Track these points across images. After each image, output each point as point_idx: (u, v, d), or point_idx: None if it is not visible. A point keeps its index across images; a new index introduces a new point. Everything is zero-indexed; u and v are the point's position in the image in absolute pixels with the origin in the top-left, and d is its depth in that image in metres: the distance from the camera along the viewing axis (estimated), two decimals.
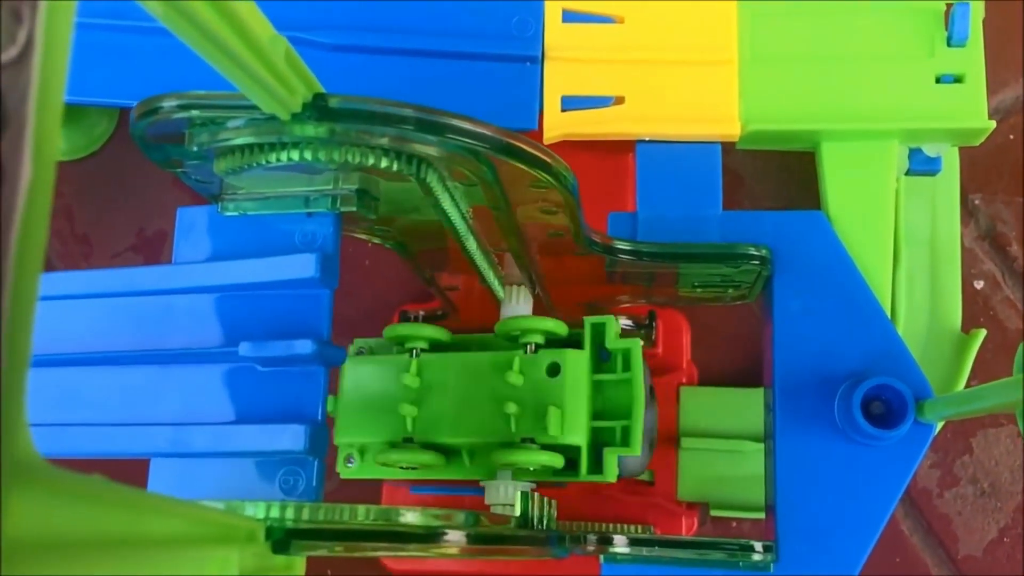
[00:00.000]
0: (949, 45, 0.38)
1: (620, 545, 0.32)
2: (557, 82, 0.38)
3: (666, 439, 0.49)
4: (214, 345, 0.30)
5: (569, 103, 0.38)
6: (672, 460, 0.48)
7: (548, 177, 0.28)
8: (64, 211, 0.57)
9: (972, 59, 0.38)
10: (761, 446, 0.45)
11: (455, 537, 0.24)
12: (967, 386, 0.50)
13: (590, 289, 0.42)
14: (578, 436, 0.34)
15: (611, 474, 0.34)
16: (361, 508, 0.25)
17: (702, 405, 0.49)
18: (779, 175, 0.52)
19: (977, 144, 0.38)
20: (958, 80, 0.37)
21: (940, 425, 0.41)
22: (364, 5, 0.38)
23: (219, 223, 0.32)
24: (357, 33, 0.37)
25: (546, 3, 0.39)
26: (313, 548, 0.23)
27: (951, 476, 0.50)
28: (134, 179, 0.57)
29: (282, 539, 0.22)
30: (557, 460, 0.34)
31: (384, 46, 0.37)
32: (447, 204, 0.30)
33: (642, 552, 0.33)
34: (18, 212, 0.13)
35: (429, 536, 0.23)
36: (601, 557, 0.34)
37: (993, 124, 0.37)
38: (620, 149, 0.42)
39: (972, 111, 0.37)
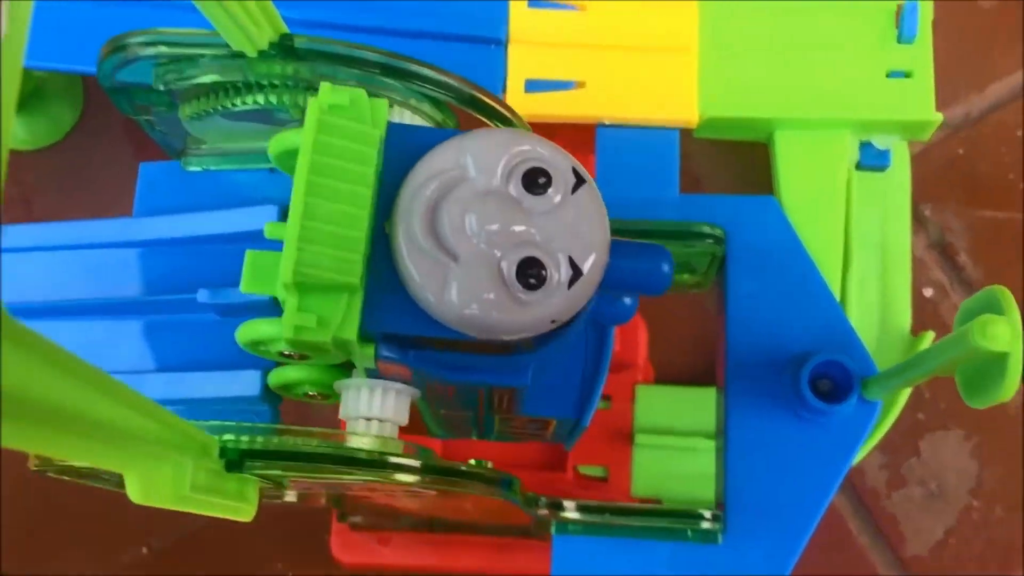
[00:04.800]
0: (899, 42, 0.39)
1: (570, 510, 0.33)
2: (521, 65, 0.39)
3: (622, 436, 0.50)
4: (171, 295, 0.30)
5: (532, 86, 0.39)
6: (627, 457, 0.49)
7: None
8: (22, 200, 0.56)
9: (921, 56, 0.39)
10: (714, 443, 0.46)
11: (407, 463, 0.24)
12: (916, 391, 0.51)
13: None
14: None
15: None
16: (316, 438, 0.25)
17: (658, 403, 0.50)
18: (733, 178, 0.53)
19: (926, 138, 0.40)
20: (907, 75, 0.39)
21: (890, 423, 0.42)
22: None
23: (182, 179, 0.32)
24: (322, 9, 0.38)
25: None
26: (266, 469, 0.23)
27: (899, 477, 0.50)
28: (96, 170, 0.57)
29: (235, 460, 0.22)
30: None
31: (348, 23, 0.38)
32: None
33: (594, 520, 0.33)
34: None
35: (380, 463, 0.24)
36: (552, 528, 0.34)
37: (941, 117, 0.38)
38: (582, 149, 0.43)
39: (920, 105, 0.38)
